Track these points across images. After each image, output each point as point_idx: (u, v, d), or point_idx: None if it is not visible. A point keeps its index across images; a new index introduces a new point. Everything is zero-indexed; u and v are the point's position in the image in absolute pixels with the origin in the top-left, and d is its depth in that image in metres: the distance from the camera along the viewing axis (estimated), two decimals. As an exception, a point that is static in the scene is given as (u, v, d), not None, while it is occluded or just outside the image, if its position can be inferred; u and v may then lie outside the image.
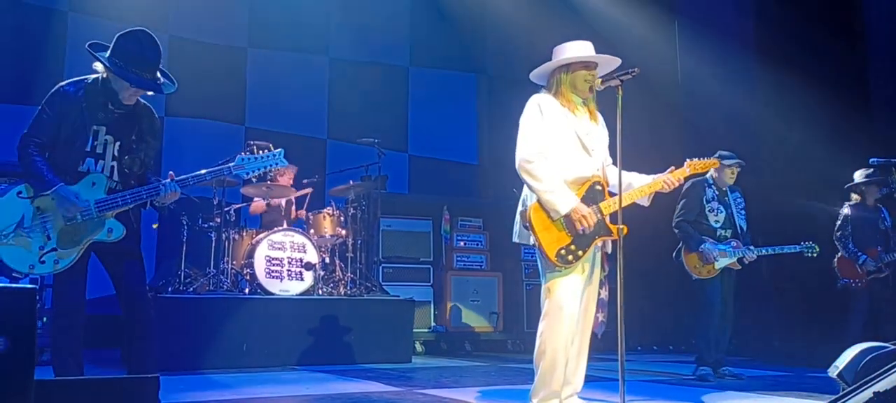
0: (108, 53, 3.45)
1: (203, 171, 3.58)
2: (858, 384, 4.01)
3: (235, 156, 3.68)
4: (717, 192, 5.68)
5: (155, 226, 6.47)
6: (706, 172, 5.53)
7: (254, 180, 3.69)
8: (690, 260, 5.60)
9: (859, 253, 6.13)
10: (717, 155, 5.54)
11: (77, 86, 3.47)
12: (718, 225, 5.61)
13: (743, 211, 5.74)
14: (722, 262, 5.51)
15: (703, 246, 5.50)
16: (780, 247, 5.66)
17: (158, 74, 3.52)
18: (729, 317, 5.65)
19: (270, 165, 3.67)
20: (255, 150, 3.70)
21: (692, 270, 5.60)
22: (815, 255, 5.67)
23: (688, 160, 3.87)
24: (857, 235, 6.20)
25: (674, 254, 5.76)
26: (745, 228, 5.67)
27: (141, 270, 3.58)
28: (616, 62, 3.66)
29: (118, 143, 3.50)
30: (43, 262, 3.31)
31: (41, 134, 3.39)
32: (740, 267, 5.59)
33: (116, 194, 3.43)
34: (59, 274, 3.36)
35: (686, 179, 4.05)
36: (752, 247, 5.58)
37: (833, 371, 4.77)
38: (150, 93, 3.54)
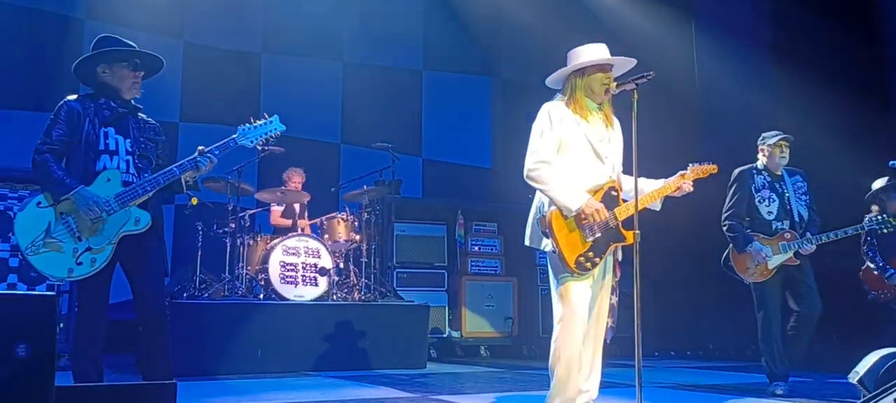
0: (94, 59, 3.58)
1: (225, 140, 3.65)
2: (879, 390, 3.96)
3: (236, 129, 3.72)
4: (768, 178, 5.07)
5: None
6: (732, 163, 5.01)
7: (259, 148, 3.76)
8: (740, 262, 5.00)
9: (887, 267, 5.94)
10: (760, 138, 5.13)
11: (80, 98, 3.57)
12: (772, 216, 4.99)
13: (804, 197, 5.10)
14: (775, 260, 4.90)
15: (750, 245, 4.91)
16: (844, 230, 4.97)
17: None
18: (811, 313, 4.96)
19: (270, 131, 3.75)
20: (252, 121, 3.74)
21: (744, 274, 5.00)
22: (889, 230, 5.08)
23: (690, 165, 3.79)
24: (882, 245, 5.96)
25: (722, 260, 5.16)
26: (805, 216, 5.05)
27: (160, 276, 3.60)
28: (631, 63, 3.64)
29: (128, 141, 3.56)
30: (80, 263, 3.32)
31: (53, 141, 3.45)
32: (798, 263, 4.94)
33: (134, 185, 3.46)
34: (83, 280, 3.37)
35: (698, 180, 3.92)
36: (810, 237, 4.91)
37: (853, 377, 4.72)
38: (140, 74, 3.60)
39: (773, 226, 4.99)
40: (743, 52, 8.28)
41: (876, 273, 5.98)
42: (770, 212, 5.01)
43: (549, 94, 3.74)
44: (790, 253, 4.91)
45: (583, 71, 3.59)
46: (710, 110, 8.71)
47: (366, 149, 8.29)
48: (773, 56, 8.17)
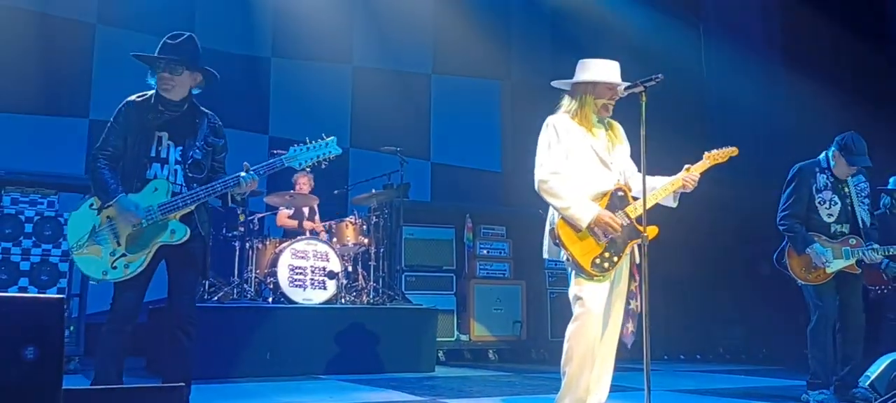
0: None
1: (273, 159, 3.63)
2: (890, 395, 3.95)
3: (289, 148, 3.68)
4: (831, 179, 4.76)
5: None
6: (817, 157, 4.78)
7: (308, 170, 3.71)
8: (796, 263, 4.72)
9: (883, 258, 5.86)
10: (837, 139, 4.77)
11: (140, 97, 3.63)
12: (832, 219, 4.71)
13: (866, 200, 4.81)
14: (834, 265, 4.62)
15: (809, 248, 4.63)
16: None
17: (180, 54, 3.57)
18: (857, 330, 4.74)
19: (323, 154, 3.66)
20: (308, 142, 3.68)
21: (798, 276, 4.73)
22: None
23: (706, 153, 3.77)
24: (885, 240, 5.94)
25: (775, 256, 4.90)
26: (868, 222, 4.77)
27: (194, 281, 3.72)
28: (637, 89, 3.64)
29: (180, 148, 3.60)
30: (115, 267, 3.42)
31: (108, 146, 3.54)
32: (860, 271, 4.71)
33: (178, 196, 3.51)
34: (118, 282, 3.45)
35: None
36: (875, 246, 4.64)
37: (865, 382, 4.70)
38: (173, 76, 3.58)
39: (833, 229, 4.73)
40: (752, 55, 8.25)
41: (870, 267, 5.84)
42: (831, 215, 4.73)
43: (558, 97, 3.75)
44: (852, 260, 4.65)
45: (594, 86, 3.63)
46: (719, 113, 8.68)
47: (374, 152, 8.31)
48: (784, 58, 8.13)
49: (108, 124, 3.58)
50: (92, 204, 3.50)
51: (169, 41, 3.59)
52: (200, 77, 3.65)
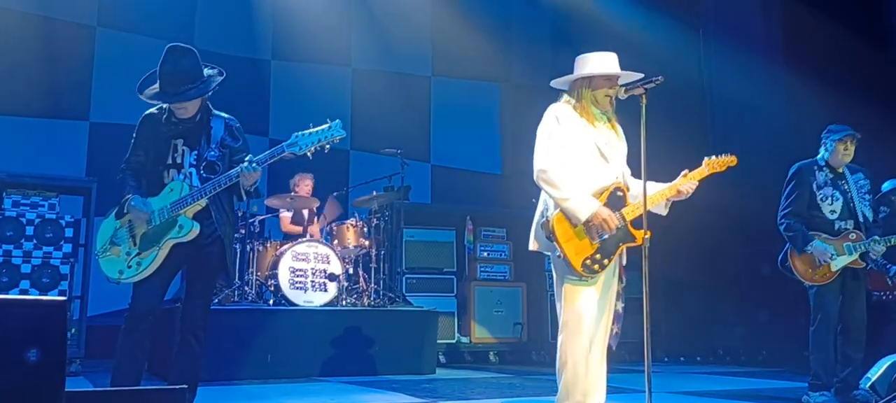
0: (154, 85, 3.66)
1: (274, 149, 3.64)
2: (891, 396, 3.96)
3: (291, 135, 3.66)
4: (830, 175, 4.74)
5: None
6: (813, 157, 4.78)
7: (309, 155, 3.67)
8: (800, 264, 4.67)
9: (889, 265, 5.90)
10: (825, 131, 4.82)
11: (157, 110, 3.71)
12: (835, 216, 4.67)
13: (867, 196, 4.78)
14: (839, 261, 4.57)
15: (810, 245, 4.60)
16: None
17: (186, 82, 3.58)
18: (858, 331, 4.70)
19: (326, 136, 3.62)
20: (311, 127, 3.65)
21: (804, 276, 4.67)
22: None
23: (706, 159, 3.74)
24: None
25: (779, 260, 4.84)
26: (870, 217, 4.73)
27: (208, 286, 3.74)
28: (638, 77, 3.63)
29: (195, 152, 3.66)
30: (130, 267, 3.52)
31: (132, 156, 3.68)
32: (865, 265, 4.69)
33: (187, 194, 3.55)
34: (137, 283, 3.51)
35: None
36: (879, 238, 4.62)
37: (865, 384, 4.71)
38: (175, 104, 3.62)
39: (837, 226, 4.68)
40: (752, 56, 8.25)
41: (877, 271, 5.86)
42: (833, 211, 4.68)
43: (558, 99, 3.74)
44: (856, 255, 4.61)
45: (590, 80, 3.60)
46: (720, 116, 8.69)
47: (375, 154, 8.32)
48: (784, 59, 8.14)
49: (134, 134, 3.70)
50: (117, 211, 3.61)
51: (170, 76, 3.54)
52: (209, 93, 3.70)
